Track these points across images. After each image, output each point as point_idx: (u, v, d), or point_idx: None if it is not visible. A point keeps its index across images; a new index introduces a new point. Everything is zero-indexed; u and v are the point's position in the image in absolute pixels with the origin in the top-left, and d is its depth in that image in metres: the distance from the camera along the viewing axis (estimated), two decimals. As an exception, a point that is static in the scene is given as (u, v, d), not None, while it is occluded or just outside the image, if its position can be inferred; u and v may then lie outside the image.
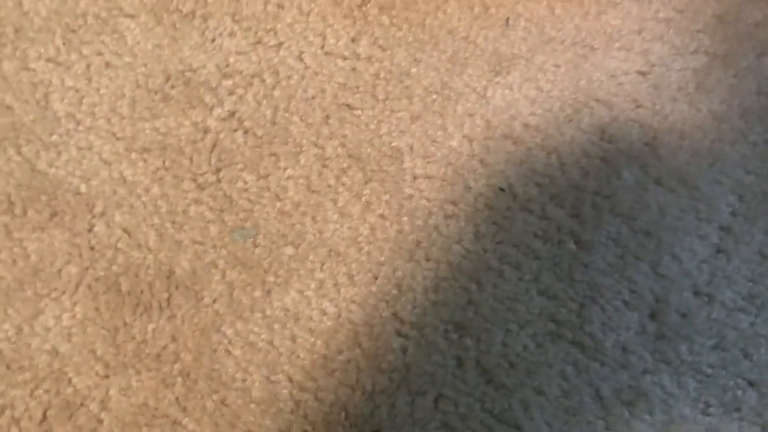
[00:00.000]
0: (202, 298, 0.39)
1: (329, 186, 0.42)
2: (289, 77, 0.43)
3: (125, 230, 0.40)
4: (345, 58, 0.43)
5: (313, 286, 0.40)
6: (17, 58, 0.41)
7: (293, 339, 0.39)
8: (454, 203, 0.42)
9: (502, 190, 0.42)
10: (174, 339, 0.38)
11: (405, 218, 0.42)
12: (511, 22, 0.44)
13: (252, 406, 0.36)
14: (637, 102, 0.44)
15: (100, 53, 0.42)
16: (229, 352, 0.38)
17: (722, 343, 0.40)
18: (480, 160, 0.43)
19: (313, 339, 0.39)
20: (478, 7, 0.44)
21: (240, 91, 0.42)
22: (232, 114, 0.42)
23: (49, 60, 0.42)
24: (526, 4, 0.44)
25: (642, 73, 0.44)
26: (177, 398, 0.36)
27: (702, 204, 0.43)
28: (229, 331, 0.39)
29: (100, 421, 0.35)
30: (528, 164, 0.43)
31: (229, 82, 0.42)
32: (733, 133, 0.44)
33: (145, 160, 0.41)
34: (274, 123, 0.42)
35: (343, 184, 0.42)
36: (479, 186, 0.42)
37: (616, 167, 0.43)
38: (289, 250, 0.40)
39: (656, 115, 0.44)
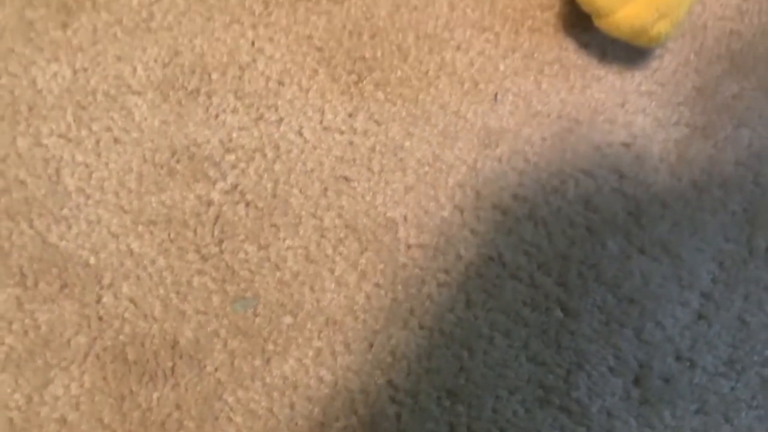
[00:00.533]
0: (205, 367, 0.41)
1: (327, 256, 0.44)
2: (289, 151, 0.45)
3: (132, 301, 0.42)
4: (342, 133, 0.45)
5: (310, 354, 0.42)
6: (30, 135, 0.44)
7: (292, 407, 0.40)
8: (446, 272, 0.44)
9: (492, 258, 0.44)
10: (178, 407, 0.40)
11: (399, 287, 0.43)
12: (499, 97, 0.46)
13: (252, 475, 0.38)
14: (620, 173, 0.46)
15: (109, 129, 0.44)
16: (230, 420, 0.40)
17: (704, 408, 0.42)
18: (471, 229, 0.45)
19: (311, 407, 0.40)
20: (468, 82, 0.47)
21: (242, 165, 0.44)
22: (235, 187, 0.44)
23: (60, 136, 0.44)
24: (514, 80, 0.47)
25: (625, 145, 0.47)
26: (180, 468, 0.38)
27: (684, 271, 0.45)
28: (231, 399, 0.40)
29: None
30: (517, 234, 0.45)
31: (231, 157, 0.44)
32: (713, 202, 0.46)
33: (151, 233, 0.43)
34: (274, 195, 0.44)
35: (340, 254, 0.44)
36: (470, 255, 0.44)
37: (601, 236, 0.45)
38: (288, 319, 0.42)
39: (639, 185, 0.46)
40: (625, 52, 0.47)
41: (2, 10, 0.45)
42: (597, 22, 0.42)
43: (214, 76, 0.45)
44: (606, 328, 0.43)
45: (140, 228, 0.43)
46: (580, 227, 0.45)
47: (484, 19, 0.48)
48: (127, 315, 0.42)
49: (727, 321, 0.44)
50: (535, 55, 0.47)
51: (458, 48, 0.47)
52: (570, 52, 0.48)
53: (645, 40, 0.42)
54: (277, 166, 0.45)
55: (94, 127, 0.44)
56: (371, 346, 0.42)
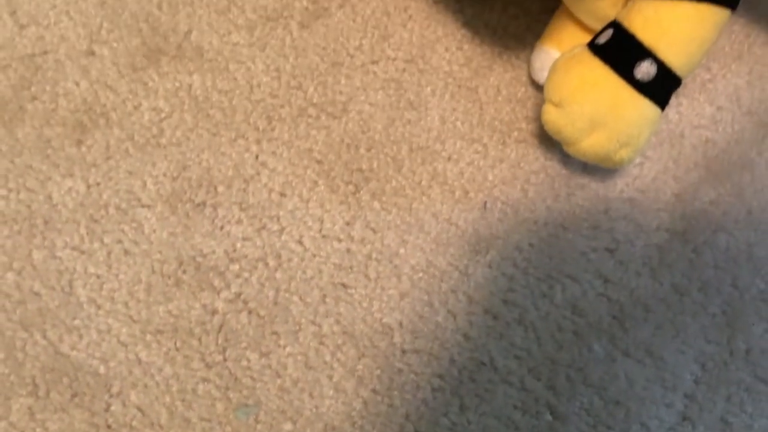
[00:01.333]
0: (209, 474, 0.43)
1: (325, 362, 0.46)
2: (289, 260, 0.47)
3: (139, 409, 0.44)
4: (340, 241, 0.48)
5: (310, 460, 0.43)
6: (46, 247, 0.46)
7: None
8: (440, 377, 0.46)
9: (484, 363, 0.46)
10: None
11: (395, 392, 0.45)
12: (488, 205, 0.49)
13: None
14: (605, 277, 0.49)
15: (120, 241, 0.47)
16: None
17: None
18: (463, 334, 0.47)
19: None
20: (459, 191, 0.49)
21: (245, 274, 0.47)
22: (238, 296, 0.46)
23: (74, 248, 0.46)
24: (502, 188, 0.50)
25: (609, 250, 0.49)
26: None
27: (667, 373, 0.47)
28: (233, 507, 0.42)
29: None
30: (507, 338, 0.47)
31: (235, 267, 0.47)
32: (694, 305, 0.49)
33: (158, 342, 0.45)
34: (275, 303, 0.46)
35: (338, 360, 0.46)
36: (463, 359, 0.47)
37: (587, 340, 0.47)
38: (288, 426, 0.44)
39: (623, 289, 0.49)
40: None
41: (22, 128, 0.48)
42: (565, 149, 0.45)
43: (220, 188, 0.48)
44: (593, 431, 0.45)
45: (148, 337, 0.45)
46: (568, 331, 0.47)
47: (473, 131, 0.51)
48: (134, 423, 0.44)
49: (711, 422, 0.46)
50: (522, 164, 0.50)
51: (449, 159, 0.50)
52: (554, 161, 0.51)
53: (610, 165, 0.45)
54: (279, 275, 0.47)
55: (106, 240, 0.47)
56: (368, 451, 0.44)
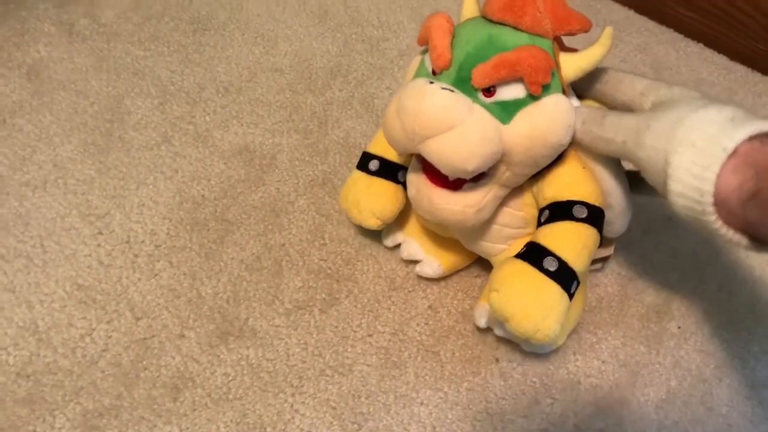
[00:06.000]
0: None
1: None
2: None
3: None
4: (348, 465, 0.71)
5: None
6: (151, 475, 0.69)
7: None
8: None
9: None
10: None
11: None
12: (449, 436, 0.73)
13: None
14: (529, 487, 0.72)
15: (201, 469, 0.70)
16: None
17: None
18: None
19: None
20: (429, 428, 0.74)
21: (285, 491, 0.70)
22: (280, 507, 0.69)
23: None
24: (458, 424, 0.74)
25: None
26: None
27: None
28: None
29: None
30: None
31: (278, 486, 0.70)
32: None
33: None
34: None
35: None
36: None
37: None
38: None
39: (541, 496, 0.71)
40: None
41: (137, 390, 0.73)
42: (507, 326, 0.59)
43: (268, 429, 0.72)
44: None
45: None
46: None
47: (437, 383, 0.76)
48: None
49: None
50: (470, 407, 0.75)
51: (422, 403, 0.75)
52: (492, 403, 0.75)
53: (538, 339, 0.58)
54: (307, 491, 0.70)
55: (192, 468, 0.70)
56: None
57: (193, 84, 1.01)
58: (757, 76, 1.09)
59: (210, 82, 1.01)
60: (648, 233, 0.89)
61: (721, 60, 1.11)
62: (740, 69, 1.11)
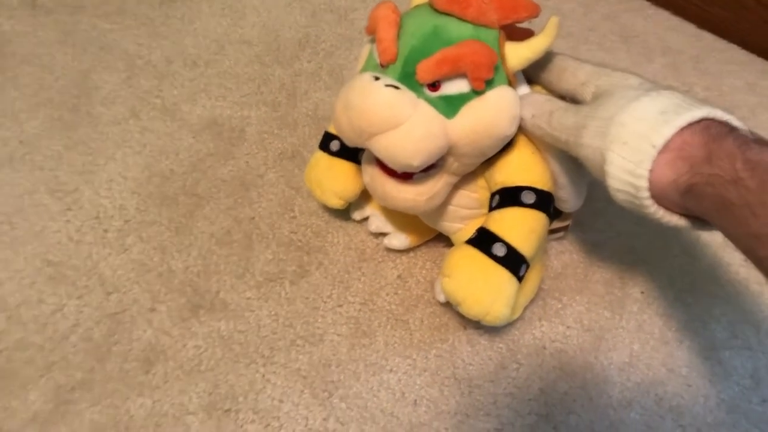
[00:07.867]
0: None
1: None
2: (286, 447, 0.72)
3: None
4: None
5: None
6: (125, 446, 0.71)
7: None
8: None
9: None
10: None
11: None
12: (417, 401, 0.75)
13: None
14: (495, 449, 0.74)
15: (174, 439, 0.71)
16: None
17: None
18: (402, 493, 0.71)
19: None
20: (398, 393, 0.75)
21: (257, 458, 0.71)
22: (253, 474, 0.71)
23: (144, 446, 0.71)
24: (426, 390, 0.75)
25: (497, 430, 0.75)
26: None
27: None
28: None
29: None
30: (431, 495, 0.71)
31: (251, 453, 0.71)
32: (555, 466, 0.73)
33: None
34: (277, 478, 0.71)
35: None
36: None
37: (484, 494, 0.72)
38: None
39: (507, 457, 0.74)
40: None
41: (109, 363, 0.74)
42: (458, 309, 0.64)
43: (240, 399, 0.73)
44: None
45: (194, 506, 0.69)
46: (471, 489, 0.72)
47: (405, 350, 0.77)
48: None
49: None
50: (439, 372, 0.76)
51: (391, 370, 0.76)
52: (460, 369, 0.77)
53: (489, 320, 0.62)
54: (279, 458, 0.72)
55: (165, 438, 0.72)
56: None
57: (160, 57, 1.00)
58: (723, 44, 1.10)
59: (177, 55, 1.01)
60: (613, 201, 0.90)
61: (689, 28, 1.12)
62: (708, 36, 1.12)
